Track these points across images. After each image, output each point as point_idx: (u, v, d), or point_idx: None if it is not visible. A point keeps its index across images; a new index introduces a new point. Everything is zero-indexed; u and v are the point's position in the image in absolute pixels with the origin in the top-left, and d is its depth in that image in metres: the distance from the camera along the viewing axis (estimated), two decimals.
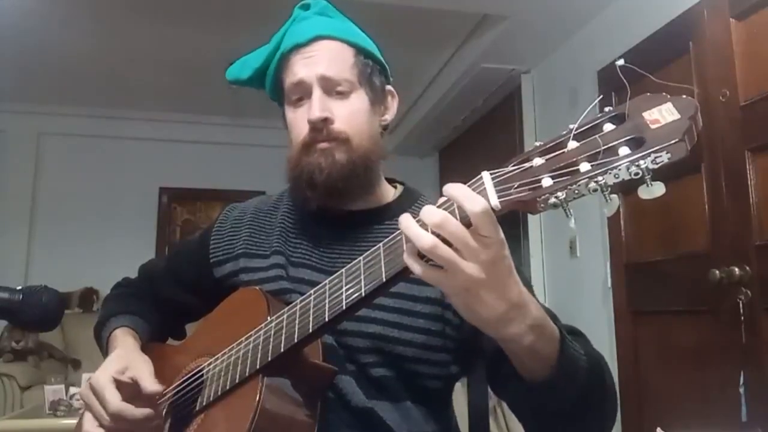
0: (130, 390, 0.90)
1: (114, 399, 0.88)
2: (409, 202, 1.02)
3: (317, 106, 0.93)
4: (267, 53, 1.01)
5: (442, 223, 0.62)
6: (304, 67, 0.95)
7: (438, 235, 0.63)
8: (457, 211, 0.64)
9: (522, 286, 0.68)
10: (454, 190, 0.64)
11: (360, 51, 0.99)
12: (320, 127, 0.93)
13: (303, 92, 0.95)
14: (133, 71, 4.34)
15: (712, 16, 2.37)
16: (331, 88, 0.95)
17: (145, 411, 0.89)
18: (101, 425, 0.90)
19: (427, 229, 0.63)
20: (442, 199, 0.66)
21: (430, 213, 0.63)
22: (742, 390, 2.07)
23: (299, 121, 0.96)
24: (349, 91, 0.96)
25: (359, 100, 0.97)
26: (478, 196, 0.63)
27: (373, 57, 1.01)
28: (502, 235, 0.64)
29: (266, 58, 1.01)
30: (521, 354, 0.72)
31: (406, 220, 0.65)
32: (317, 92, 0.94)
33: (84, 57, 4.08)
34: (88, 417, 0.92)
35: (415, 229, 0.63)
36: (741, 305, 2.13)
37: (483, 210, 0.62)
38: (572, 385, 0.73)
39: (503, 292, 0.65)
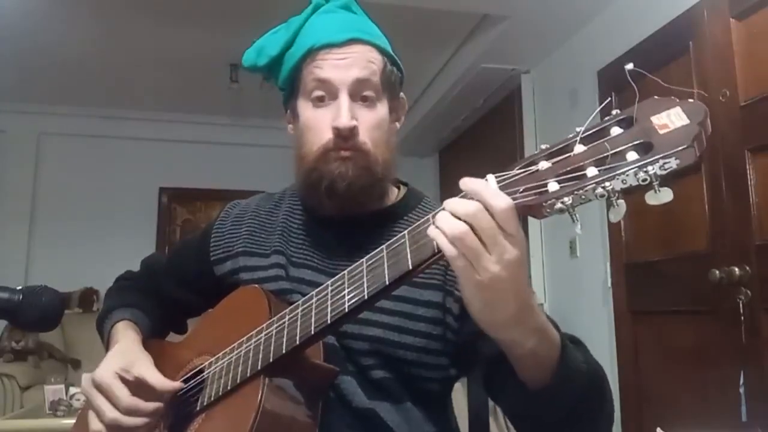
0: (132, 388, 0.89)
1: (124, 394, 0.88)
2: (413, 203, 1.01)
3: (347, 114, 0.89)
4: (284, 40, 0.97)
5: (476, 214, 0.61)
6: (334, 68, 0.91)
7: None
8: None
9: (531, 288, 0.68)
10: (476, 185, 0.63)
11: (389, 58, 0.97)
12: (347, 135, 0.89)
13: (327, 91, 0.92)
14: (133, 71, 4.34)
15: (712, 16, 2.37)
16: (357, 93, 0.92)
17: (156, 405, 0.88)
18: (107, 422, 0.88)
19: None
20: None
21: (464, 204, 0.63)
22: (742, 390, 2.08)
23: (320, 122, 0.92)
24: (375, 99, 0.93)
25: (383, 109, 0.95)
26: (501, 192, 0.62)
27: (397, 65, 0.99)
28: (523, 235, 0.64)
29: (283, 46, 0.97)
30: (523, 358, 0.71)
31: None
32: (346, 98, 0.90)
33: (84, 57, 4.09)
34: (93, 416, 0.91)
35: (449, 218, 0.63)
36: (741, 305, 2.13)
37: (508, 206, 0.61)
38: (572, 391, 0.72)
39: (518, 293, 0.64)
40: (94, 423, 0.90)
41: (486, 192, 0.63)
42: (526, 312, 0.67)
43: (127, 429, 0.88)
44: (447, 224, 0.63)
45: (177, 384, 0.90)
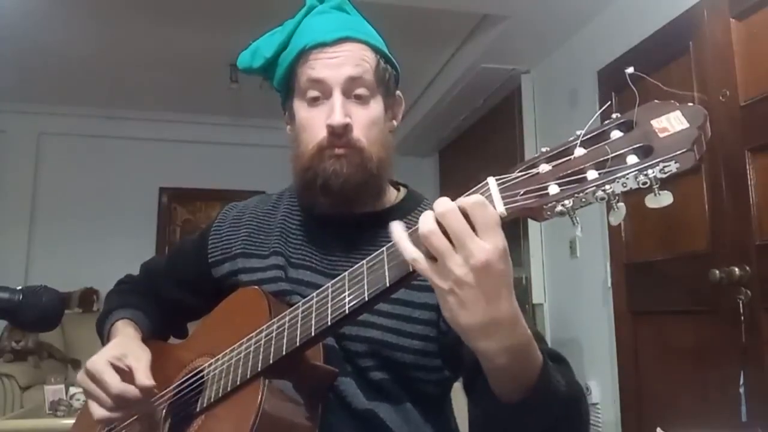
0: (126, 377, 0.89)
1: (114, 380, 0.87)
2: (412, 205, 1.01)
3: (340, 111, 0.90)
4: (279, 42, 0.98)
5: (445, 214, 0.61)
6: (326, 68, 0.92)
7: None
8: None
9: (515, 306, 0.64)
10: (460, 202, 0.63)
11: (382, 56, 0.97)
12: (340, 133, 0.90)
13: (321, 91, 0.92)
14: (133, 71, 4.34)
15: (712, 16, 2.37)
16: (350, 91, 0.92)
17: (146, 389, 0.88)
18: (101, 408, 0.89)
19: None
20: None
21: (442, 203, 0.62)
22: (742, 390, 2.07)
23: (315, 121, 0.92)
24: (368, 97, 0.93)
25: (377, 106, 0.95)
26: (480, 196, 0.62)
27: (391, 63, 0.99)
28: (503, 244, 0.61)
29: (277, 48, 0.98)
30: (494, 371, 0.69)
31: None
32: (339, 96, 0.91)
33: (84, 57, 4.09)
34: (93, 404, 0.91)
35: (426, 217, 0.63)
36: (741, 305, 2.12)
37: (476, 201, 0.61)
38: (545, 414, 0.71)
39: (488, 303, 0.62)
40: (98, 411, 0.90)
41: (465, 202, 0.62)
42: (497, 328, 0.63)
43: (119, 414, 0.88)
44: (421, 221, 0.63)
45: (149, 382, 0.88)
